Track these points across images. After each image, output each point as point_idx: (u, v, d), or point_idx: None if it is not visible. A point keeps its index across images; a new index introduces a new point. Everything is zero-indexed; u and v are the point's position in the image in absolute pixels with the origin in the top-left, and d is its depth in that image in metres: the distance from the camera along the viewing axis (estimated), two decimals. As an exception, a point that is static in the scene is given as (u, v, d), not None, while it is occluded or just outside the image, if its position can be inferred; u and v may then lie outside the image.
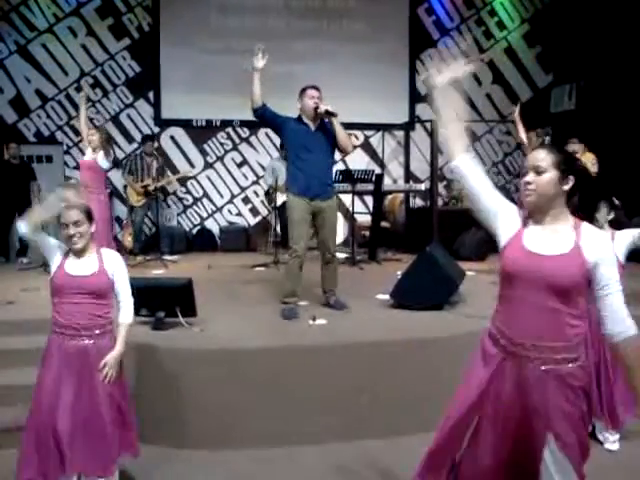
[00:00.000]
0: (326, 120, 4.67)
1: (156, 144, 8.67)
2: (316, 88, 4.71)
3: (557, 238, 2.05)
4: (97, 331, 2.86)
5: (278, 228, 7.82)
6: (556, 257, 2.02)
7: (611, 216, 3.57)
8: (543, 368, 2.03)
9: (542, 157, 2.07)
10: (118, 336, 2.94)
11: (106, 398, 2.83)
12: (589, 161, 7.36)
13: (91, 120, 8.80)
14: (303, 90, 4.74)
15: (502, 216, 2.16)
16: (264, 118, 4.81)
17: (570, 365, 2.03)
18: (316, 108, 4.61)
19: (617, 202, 3.63)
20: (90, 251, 2.91)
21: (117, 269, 2.94)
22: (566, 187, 2.06)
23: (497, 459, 2.11)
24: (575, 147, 7.44)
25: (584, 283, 2.00)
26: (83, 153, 6.17)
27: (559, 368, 2.02)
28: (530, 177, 2.07)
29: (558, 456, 2.04)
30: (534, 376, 2.04)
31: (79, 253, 2.88)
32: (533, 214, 2.12)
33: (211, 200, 9.25)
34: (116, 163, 7.31)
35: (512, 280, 2.08)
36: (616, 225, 3.57)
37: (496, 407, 2.12)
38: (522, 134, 6.51)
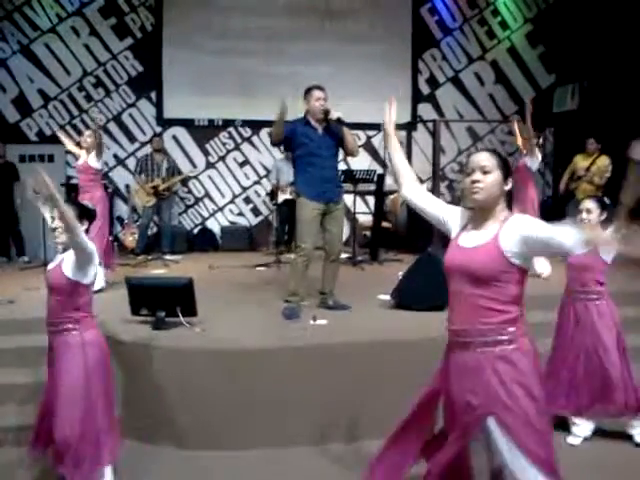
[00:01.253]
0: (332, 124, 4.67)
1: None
2: (321, 88, 4.71)
3: (484, 233, 2.20)
4: (60, 327, 2.89)
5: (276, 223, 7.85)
6: (475, 249, 2.18)
7: (604, 216, 3.60)
8: (479, 351, 2.16)
9: (486, 157, 2.22)
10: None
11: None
12: (603, 165, 7.33)
13: (93, 120, 8.86)
14: (308, 90, 4.73)
15: (449, 219, 2.38)
16: (281, 145, 5.01)
17: (503, 347, 2.13)
18: (327, 113, 4.61)
19: (607, 201, 3.65)
20: None
21: (69, 262, 2.87)
22: (507, 188, 2.22)
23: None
24: (592, 147, 7.45)
25: (504, 271, 2.12)
26: (76, 158, 6.19)
27: (492, 350, 2.14)
28: (477, 176, 2.19)
29: (498, 436, 2.11)
30: (472, 359, 2.18)
31: (65, 249, 2.91)
32: (476, 212, 2.26)
33: (212, 200, 9.25)
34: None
35: (448, 276, 2.27)
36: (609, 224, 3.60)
37: (445, 396, 2.31)
38: (519, 140, 6.59)
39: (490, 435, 2.14)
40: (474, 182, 2.18)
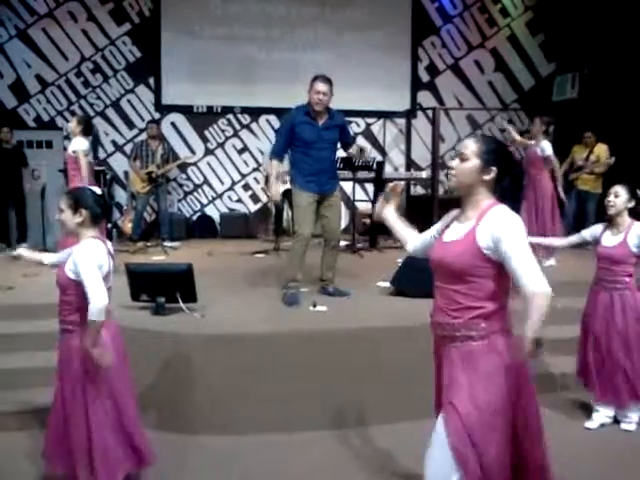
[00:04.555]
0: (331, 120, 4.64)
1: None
2: (325, 81, 4.53)
3: (464, 225, 2.13)
4: (64, 326, 2.75)
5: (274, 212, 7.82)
6: (452, 243, 2.14)
7: (631, 204, 3.59)
8: (451, 345, 2.15)
9: (468, 145, 2.14)
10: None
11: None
12: (603, 152, 7.36)
13: (91, 105, 8.83)
14: (313, 80, 4.57)
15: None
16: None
17: (471, 343, 2.10)
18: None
19: (639, 193, 3.64)
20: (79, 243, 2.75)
21: (75, 265, 2.64)
22: (486, 177, 2.11)
23: None
24: (590, 140, 7.46)
25: (479, 265, 2.05)
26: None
27: (461, 345, 2.11)
28: (454, 163, 2.16)
29: (438, 428, 2.11)
30: (446, 353, 2.19)
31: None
32: (462, 205, 2.20)
33: (211, 187, 9.23)
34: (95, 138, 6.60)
35: (432, 269, 2.25)
36: (634, 215, 3.60)
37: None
38: (517, 136, 6.55)
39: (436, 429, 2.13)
40: (449, 168, 2.17)
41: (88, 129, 5.76)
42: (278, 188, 4.60)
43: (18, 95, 8.62)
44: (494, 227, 2.03)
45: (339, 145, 4.86)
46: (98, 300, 2.56)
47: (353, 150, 4.91)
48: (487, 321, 2.09)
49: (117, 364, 2.75)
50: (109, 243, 2.87)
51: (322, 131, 4.60)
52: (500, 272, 2.06)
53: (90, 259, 2.64)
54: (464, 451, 2.03)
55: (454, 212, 2.28)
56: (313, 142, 4.57)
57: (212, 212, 9.20)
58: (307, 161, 4.59)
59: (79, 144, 5.59)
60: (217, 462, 3.41)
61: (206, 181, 9.21)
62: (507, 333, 2.13)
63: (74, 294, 2.69)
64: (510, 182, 2.14)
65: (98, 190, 2.90)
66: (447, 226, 2.25)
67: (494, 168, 2.10)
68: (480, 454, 2.03)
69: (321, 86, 4.51)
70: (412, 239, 2.50)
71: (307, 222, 4.61)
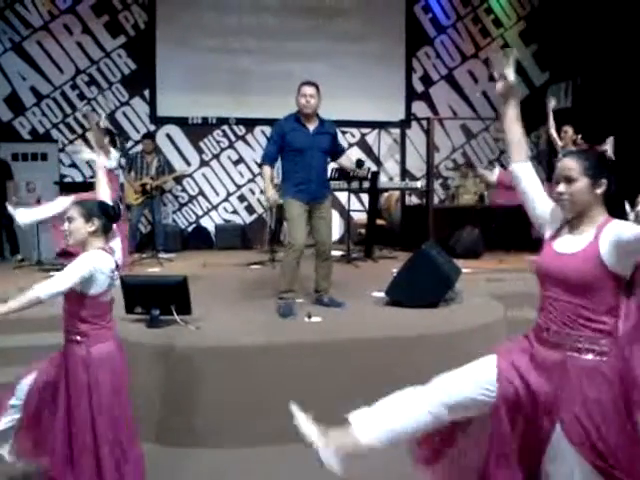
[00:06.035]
0: (323, 126, 4.67)
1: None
2: (312, 84, 4.60)
3: (581, 238, 2.07)
4: (69, 336, 2.73)
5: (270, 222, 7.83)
6: (571, 255, 2.07)
7: None
8: (567, 354, 2.04)
9: (572, 166, 2.08)
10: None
11: None
12: None
13: (86, 118, 8.83)
14: (300, 86, 4.63)
15: (548, 216, 2.23)
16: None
17: (593, 357, 2.02)
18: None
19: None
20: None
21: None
22: (599, 191, 2.07)
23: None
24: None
25: (601, 278, 2.00)
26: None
27: (580, 357, 2.03)
28: (562, 187, 2.09)
29: (562, 445, 2.01)
30: (555, 358, 2.07)
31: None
32: (571, 219, 2.15)
33: (207, 198, 9.24)
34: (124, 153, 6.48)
35: (540, 279, 2.17)
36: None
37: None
38: (553, 130, 6.50)
39: (553, 443, 2.05)
40: (559, 194, 2.09)
41: (113, 139, 5.69)
42: (273, 191, 4.63)
43: (13, 108, 8.64)
44: (614, 233, 1.97)
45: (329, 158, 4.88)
46: (45, 292, 2.50)
47: (347, 162, 4.95)
48: (607, 339, 2.02)
49: (122, 376, 2.81)
50: (117, 254, 2.81)
51: (313, 137, 4.60)
52: (619, 288, 2.01)
53: (81, 268, 2.58)
54: None
55: (560, 212, 2.19)
56: (304, 149, 4.55)
57: (207, 223, 9.20)
58: (298, 169, 4.57)
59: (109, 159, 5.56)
60: (213, 475, 3.39)
61: (201, 192, 9.22)
62: (621, 359, 2.04)
63: (78, 304, 2.67)
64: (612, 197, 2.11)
65: (109, 200, 2.90)
66: (556, 234, 2.18)
67: (604, 180, 2.07)
68: None
69: (308, 89, 4.56)
70: (524, 159, 2.28)
71: (299, 233, 4.60)
